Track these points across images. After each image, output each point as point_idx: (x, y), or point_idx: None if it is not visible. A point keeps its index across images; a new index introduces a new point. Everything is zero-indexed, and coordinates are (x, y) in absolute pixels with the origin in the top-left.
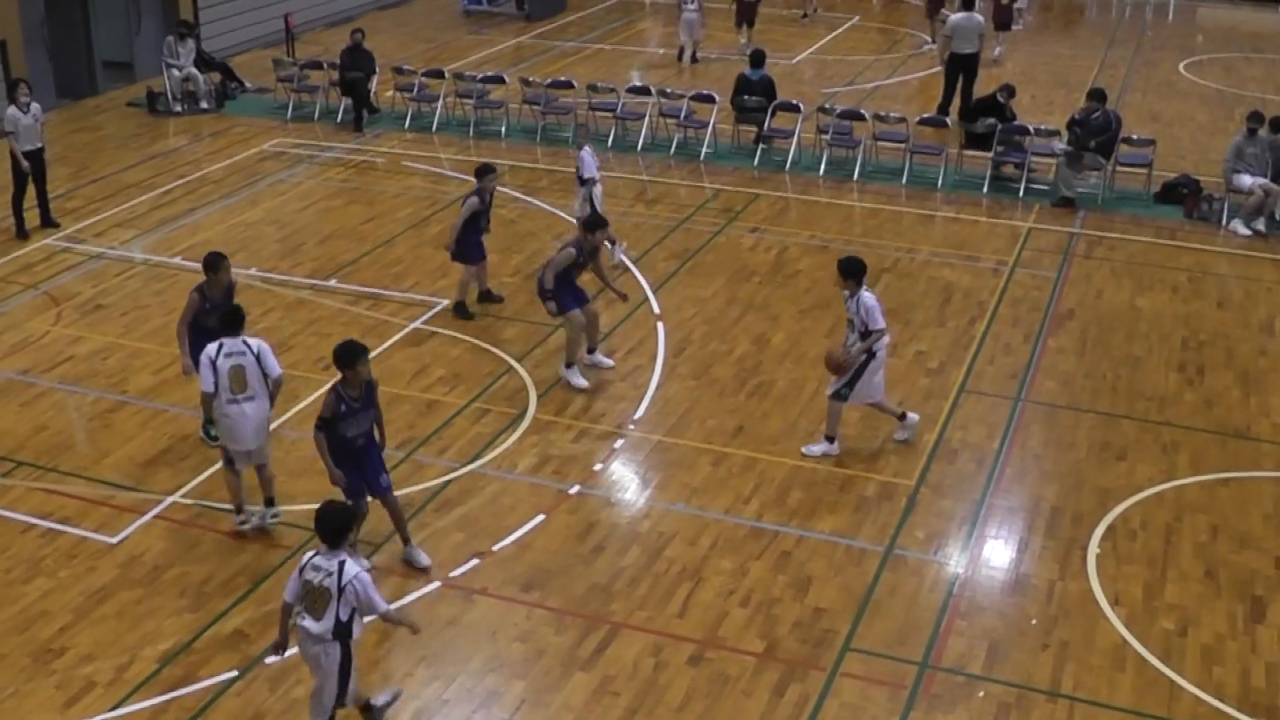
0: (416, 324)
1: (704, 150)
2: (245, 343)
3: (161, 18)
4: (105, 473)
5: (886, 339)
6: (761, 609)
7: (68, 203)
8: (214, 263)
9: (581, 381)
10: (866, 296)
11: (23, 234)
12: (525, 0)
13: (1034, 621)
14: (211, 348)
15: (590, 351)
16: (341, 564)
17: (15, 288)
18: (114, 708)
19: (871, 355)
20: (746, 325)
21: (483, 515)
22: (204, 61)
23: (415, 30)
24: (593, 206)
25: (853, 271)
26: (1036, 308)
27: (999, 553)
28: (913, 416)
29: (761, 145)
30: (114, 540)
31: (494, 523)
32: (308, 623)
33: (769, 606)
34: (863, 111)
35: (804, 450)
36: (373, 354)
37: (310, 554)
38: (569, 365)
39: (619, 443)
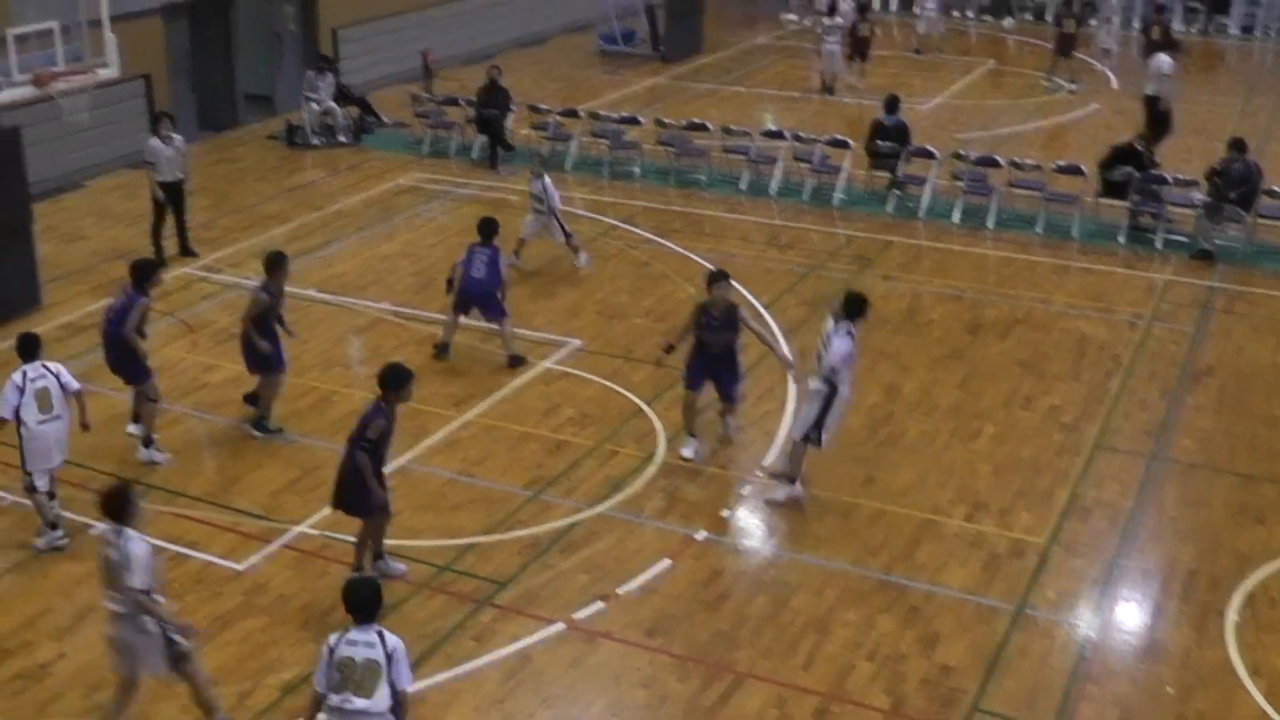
0: (548, 363)
1: (837, 196)
2: (45, 366)
3: (302, 52)
4: (234, 500)
5: (849, 377)
6: (888, 664)
7: (206, 233)
8: (278, 262)
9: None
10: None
11: (162, 262)
12: (661, 41)
13: (1170, 690)
14: (18, 376)
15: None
16: (380, 634)
17: (152, 314)
18: None
19: (834, 392)
20: (878, 374)
21: (608, 558)
22: (343, 96)
23: (551, 69)
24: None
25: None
26: (1174, 363)
27: (1132, 616)
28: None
29: (895, 191)
30: (240, 567)
31: (619, 566)
32: (358, 703)
33: (896, 662)
34: (997, 158)
35: (767, 498)
36: (502, 392)
37: (334, 636)
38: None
39: (747, 489)
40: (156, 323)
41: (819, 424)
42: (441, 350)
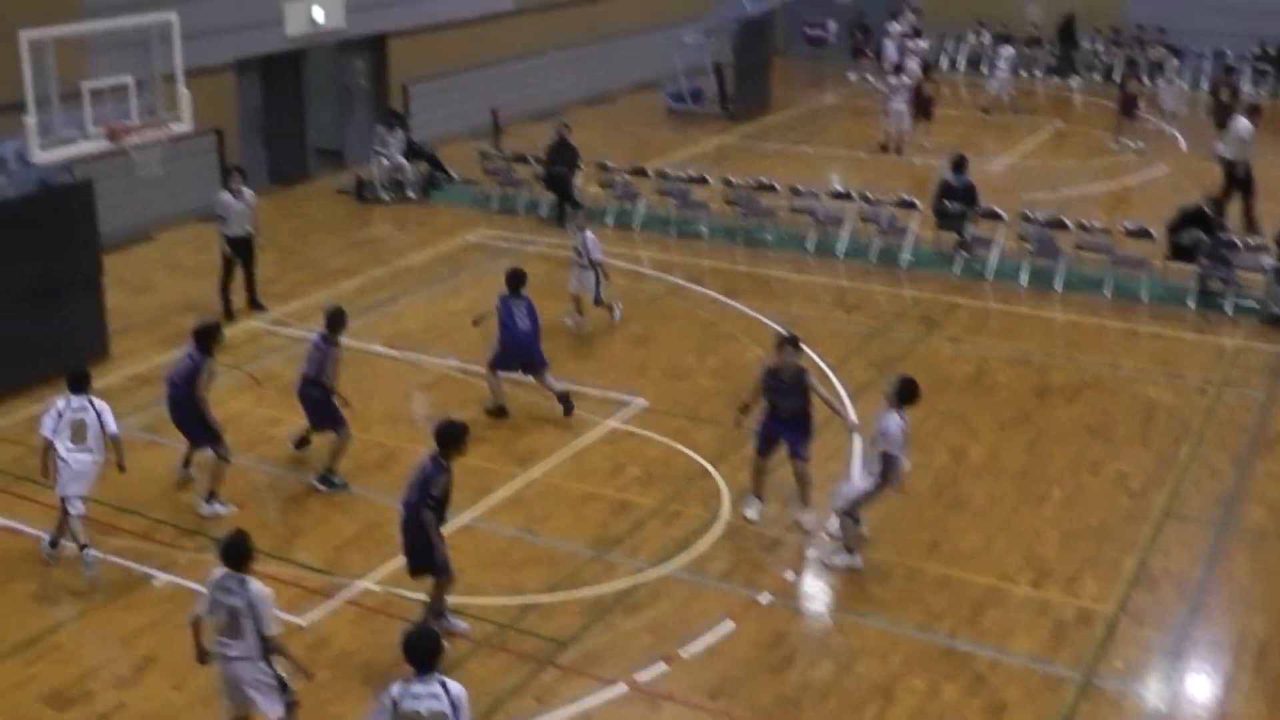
0: (612, 422)
1: (904, 256)
2: (90, 401)
3: (372, 107)
4: (297, 554)
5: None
6: None
7: (274, 286)
8: (342, 319)
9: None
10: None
11: (229, 315)
12: (729, 100)
13: None
14: (60, 402)
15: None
16: (443, 684)
17: (219, 367)
18: None
19: (885, 479)
20: (944, 437)
21: (672, 619)
22: (412, 151)
23: (620, 126)
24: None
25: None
26: (1244, 430)
27: (1203, 688)
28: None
29: (963, 253)
30: (303, 622)
31: (682, 627)
32: None
33: None
34: (1065, 220)
35: (827, 561)
36: (566, 451)
37: (395, 687)
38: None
39: (811, 551)
40: (223, 376)
41: (860, 502)
42: (499, 413)
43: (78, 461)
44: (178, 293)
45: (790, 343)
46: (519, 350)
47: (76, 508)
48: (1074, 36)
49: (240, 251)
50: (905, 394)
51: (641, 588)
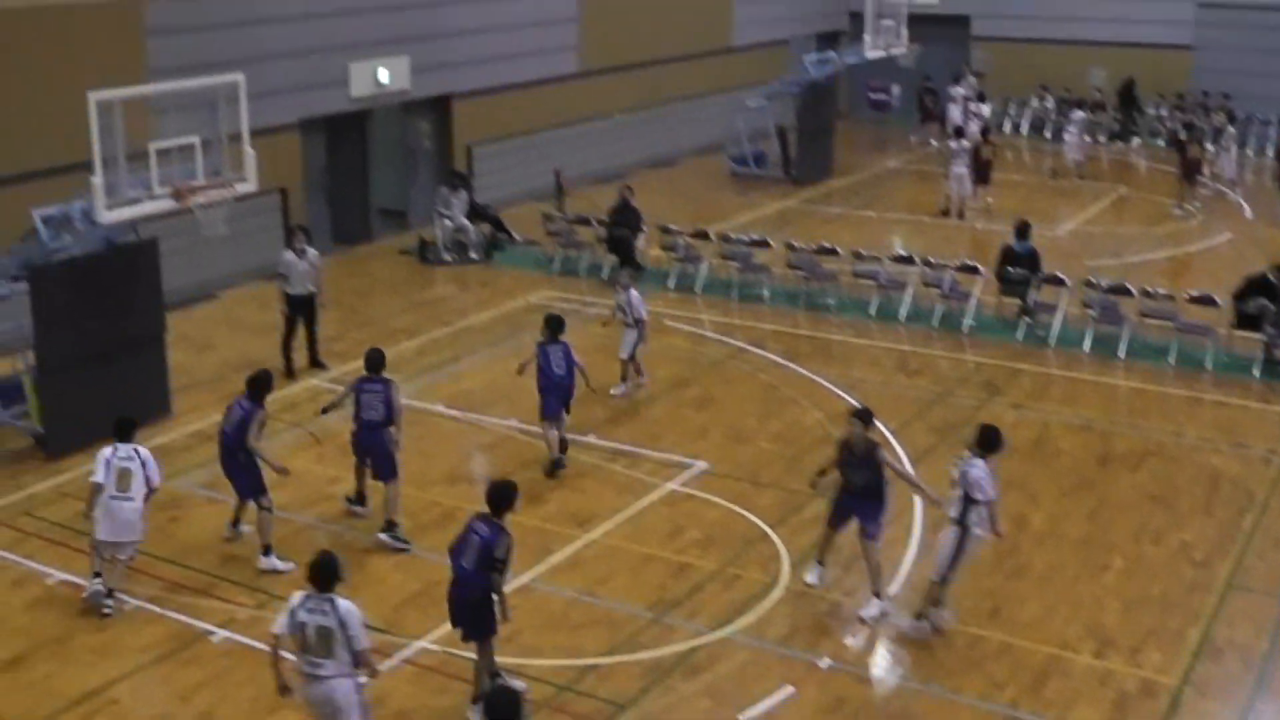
0: (672, 485)
1: (967, 322)
2: (136, 450)
3: (436, 168)
4: None
5: (984, 515)
6: None
7: (336, 345)
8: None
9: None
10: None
11: (290, 373)
12: (792, 164)
13: None
14: (109, 451)
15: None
16: None
17: (280, 425)
18: None
19: (966, 531)
20: (1005, 504)
21: (731, 683)
22: (475, 212)
23: (683, 189)
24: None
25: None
26: None
27: None
28: (947, 614)
29: (1026, 319)
30: (361, 681)
31: (741, 692)
32: None
33: None
34: (1129, 286)
35: (904, 626)
36: (626, 512)
37: None
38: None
39: (876, 613)
40: (283, 434)
41: (954, 565)
42: (557, 466)
43: (122, 510)
44: (239, 351)
45: (860, 417)
46: (558, 392)
47: (126, 553)
48: (1135, 101)
49: (303, 310)
50: (988, 442)
51: (701, 651)
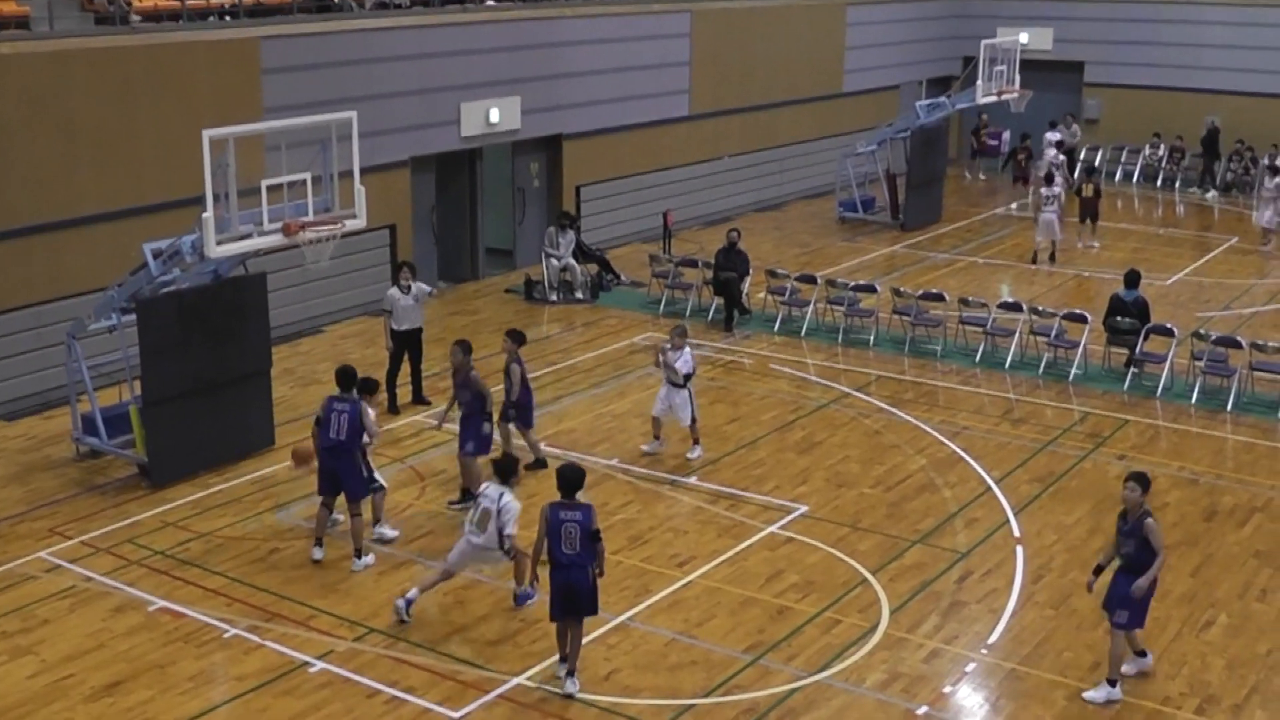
0: (773, 528)
1: (1073, 371)
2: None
3: (545, 209)
4: (454, 648)
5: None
6: None
7: (440, 382)
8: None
9: None
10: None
11: (394, 409)
12: (901, 210)
13: None
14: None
15: None
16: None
17: (383, 460)
18: None
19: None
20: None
21: None
22: (582, 253)
23: (790, 233)
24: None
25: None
26: None
27: None
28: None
29: (1133, 369)
30: (456, 715)
31: None
32: None
33: None
34: (1239, 339)
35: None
36: (728, 554)
37: None
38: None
39: (970, 666)
40: (387, 468)
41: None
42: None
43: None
44: None
45: (1134, 478)
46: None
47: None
48: (1215, 149)
49: (408, 346)
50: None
51: (797, 695)
